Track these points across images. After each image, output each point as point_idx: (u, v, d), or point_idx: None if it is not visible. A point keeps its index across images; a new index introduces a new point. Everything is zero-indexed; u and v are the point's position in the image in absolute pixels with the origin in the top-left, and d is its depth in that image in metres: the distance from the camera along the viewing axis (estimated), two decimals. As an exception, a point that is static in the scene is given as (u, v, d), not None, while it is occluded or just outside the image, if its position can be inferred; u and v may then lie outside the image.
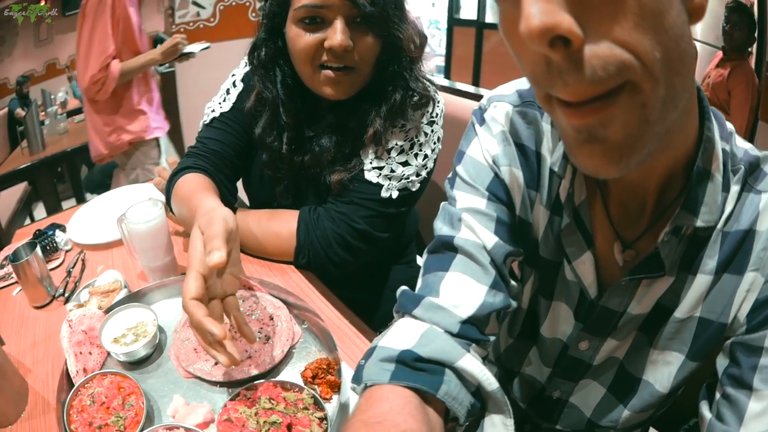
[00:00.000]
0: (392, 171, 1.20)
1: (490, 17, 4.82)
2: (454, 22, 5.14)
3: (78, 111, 4.15)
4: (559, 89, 0.47)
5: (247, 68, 1.28)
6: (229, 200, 1.20)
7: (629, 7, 0.43)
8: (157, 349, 1.02)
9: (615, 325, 0.77)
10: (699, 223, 0.64)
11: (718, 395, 0.68)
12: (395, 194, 1.20)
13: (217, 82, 1.37)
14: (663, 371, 0.77)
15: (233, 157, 1.27)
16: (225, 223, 0.83)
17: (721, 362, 0.69)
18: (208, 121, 1.29)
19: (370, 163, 1.20)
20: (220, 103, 1.29)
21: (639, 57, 0.44)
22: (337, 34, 1.03)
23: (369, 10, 1.02)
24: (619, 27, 0.43)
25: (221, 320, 0.82)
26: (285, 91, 1.19)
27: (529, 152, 0.78)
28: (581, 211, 0.73)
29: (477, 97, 1.57)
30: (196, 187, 1.10)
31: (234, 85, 1.30)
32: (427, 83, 1.20)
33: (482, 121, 0.82)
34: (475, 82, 4.86)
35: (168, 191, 1.23)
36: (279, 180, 1.28)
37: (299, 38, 1.08)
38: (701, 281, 0.69)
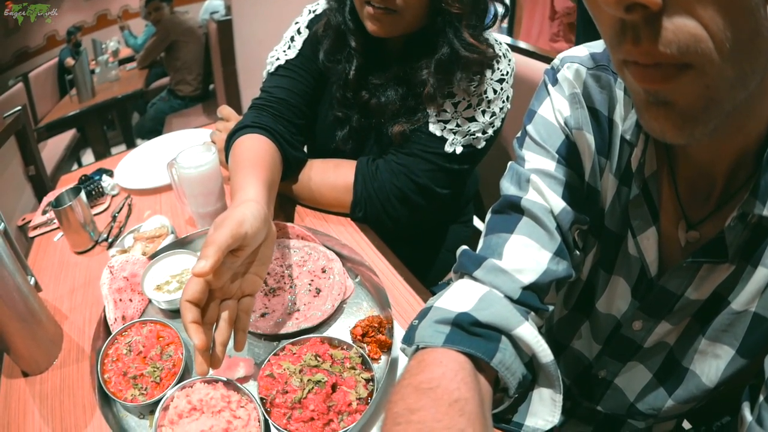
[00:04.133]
0: (458, 125, 1.16)
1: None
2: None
3: (130, 59, 4.19)
4: (629, 46, 0.47)
5: (311, 15, 1.27)
6: (290, 156, 1.17)
7: None
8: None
9: (671, 309, 0.76)
10: (765, 211, 0.60)
11: (761, 398, 0.64)
12: (459, 150, 1.17)
13: (274, 31, 1.35)
14: (711, 364, 0.76)
15: (301, 104, 1.24)
16: (236, 227, 0.75)
17: None
18: (272, 70, 1.26)
19: (436, 115, 1.16)
20: (284, 51, 1.26)
21: (711, 34, 0.43)
22: None
23: None
24: (695, 1, 0.42)
25: (213, 323, 0.76)
26: (351, 18, 1.16)
27: (602, 117, 0.76)
28: (650, 184, 0.71)
29: (537, 56, 1.52)
30: (249, 158, 1.03)
31: (299, 32, 1.27)
32: (484, 44, 1.12)
33: (555, 81, 0.80)
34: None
35: (226, 151, 1.18)
36: (342, 123, 1.25)
37: None
38: (761, 274, 0.66)
